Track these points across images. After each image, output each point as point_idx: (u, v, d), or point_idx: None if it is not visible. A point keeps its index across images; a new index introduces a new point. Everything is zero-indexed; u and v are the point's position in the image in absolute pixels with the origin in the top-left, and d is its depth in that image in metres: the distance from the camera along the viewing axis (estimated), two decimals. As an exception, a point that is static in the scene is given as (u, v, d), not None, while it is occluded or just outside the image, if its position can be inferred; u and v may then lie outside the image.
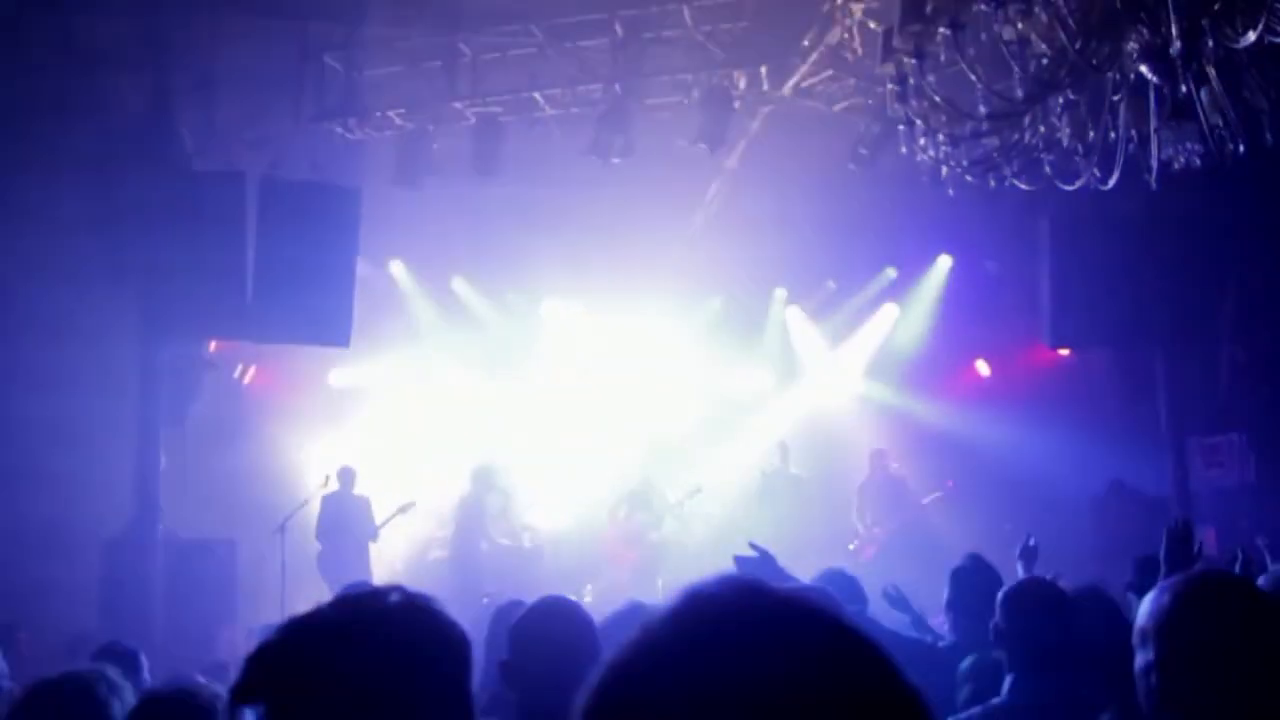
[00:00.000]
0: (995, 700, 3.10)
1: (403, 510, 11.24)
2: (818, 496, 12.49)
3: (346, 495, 11.44)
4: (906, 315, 13.92)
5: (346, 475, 11.47)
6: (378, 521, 11.16)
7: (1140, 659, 2.21)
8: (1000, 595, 3.34)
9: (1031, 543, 5.31)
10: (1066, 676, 3.04)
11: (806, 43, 9.47)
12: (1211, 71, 5.52)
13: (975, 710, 3.09)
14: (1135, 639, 2.24)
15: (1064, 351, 12.47)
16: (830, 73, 10.03)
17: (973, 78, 5.57)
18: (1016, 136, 6.27)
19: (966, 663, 3.84)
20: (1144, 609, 2.24)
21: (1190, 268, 10.67)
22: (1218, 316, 11.39)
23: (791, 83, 9.86)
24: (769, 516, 12.12)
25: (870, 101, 10.02)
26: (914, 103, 5.87)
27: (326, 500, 11.18)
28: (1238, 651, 2.06)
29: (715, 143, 9.92)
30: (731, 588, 0.90)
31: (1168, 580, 2.28)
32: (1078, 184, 6.73)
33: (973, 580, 4.32)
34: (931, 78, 5.73)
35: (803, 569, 11.60)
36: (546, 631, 2.86)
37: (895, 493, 12.31)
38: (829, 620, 0.89)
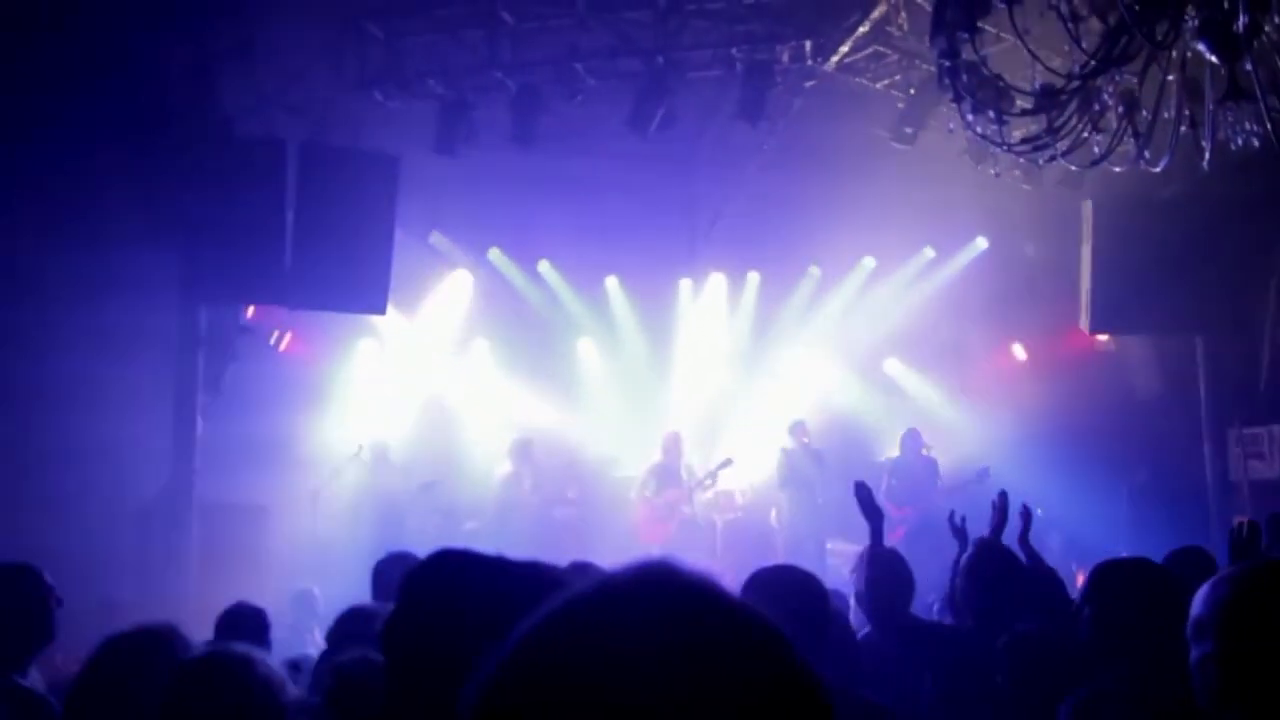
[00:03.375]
0: (1108, 675, 3.06)
1: (425, 489, 11.36)
2: (836, 474, 12.44)
3: (382, 465, 11.57)
4: (942, 296, 13.79)
5: (380, 448, 11.65)
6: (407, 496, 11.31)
7: (1196, 651, 2.14)
8: (1090, 579, 3.28)
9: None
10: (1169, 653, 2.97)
11: (853, 18, 9.34)
12: (1271, 50, 5.40)
13: (1100, 686, 3.05)
14: (1190, 631, 2.18)
15: (1103, 337, 12.31)
16: (875, 49, 9.90)
17: (1027, 53, 5.46)
18: (1066, 116, 6.16)
19: (1001, 644, 3.77)
20: (1200, 600, 2.17)
21: (1234, 254, 10.49)
22: (1260, 304, 11.20)
23: (836, 58, 9.74)
24: (791, 495, 12.10)
25: (915, 78, 9.90)
26: (965, 78, 5.78)
27: (365, 474, 11.35)
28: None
29: (755, 117, 9.83)
30: (641, 575, 0.88)
31: (1225, 571, 2.21)
32: (1126, 166, 6.63)
33: (990, 564, 4.23)
34: (985, 51, 5.62)
35: (825, 549, 11.57)
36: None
37: (927, 474, 12.20)
38: (736, 612, 0.87)
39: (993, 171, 7.96)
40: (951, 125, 6.68)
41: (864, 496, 4.50)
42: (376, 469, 11.57)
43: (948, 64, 5.81)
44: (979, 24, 5.66)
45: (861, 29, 9.35)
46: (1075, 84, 5.79)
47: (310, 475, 11.11)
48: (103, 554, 8.77)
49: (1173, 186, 10.10)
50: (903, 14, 9.14)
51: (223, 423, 10.26)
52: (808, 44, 9.87)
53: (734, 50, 9.91)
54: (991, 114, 6.06)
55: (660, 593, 0.87)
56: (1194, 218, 10.20)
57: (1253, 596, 2.09)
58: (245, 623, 4.51)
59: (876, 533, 4.39)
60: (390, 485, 11.50)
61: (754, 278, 14.22)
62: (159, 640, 2.87)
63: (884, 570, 4.27)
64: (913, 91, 9.97)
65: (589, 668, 0.81)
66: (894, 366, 14.14)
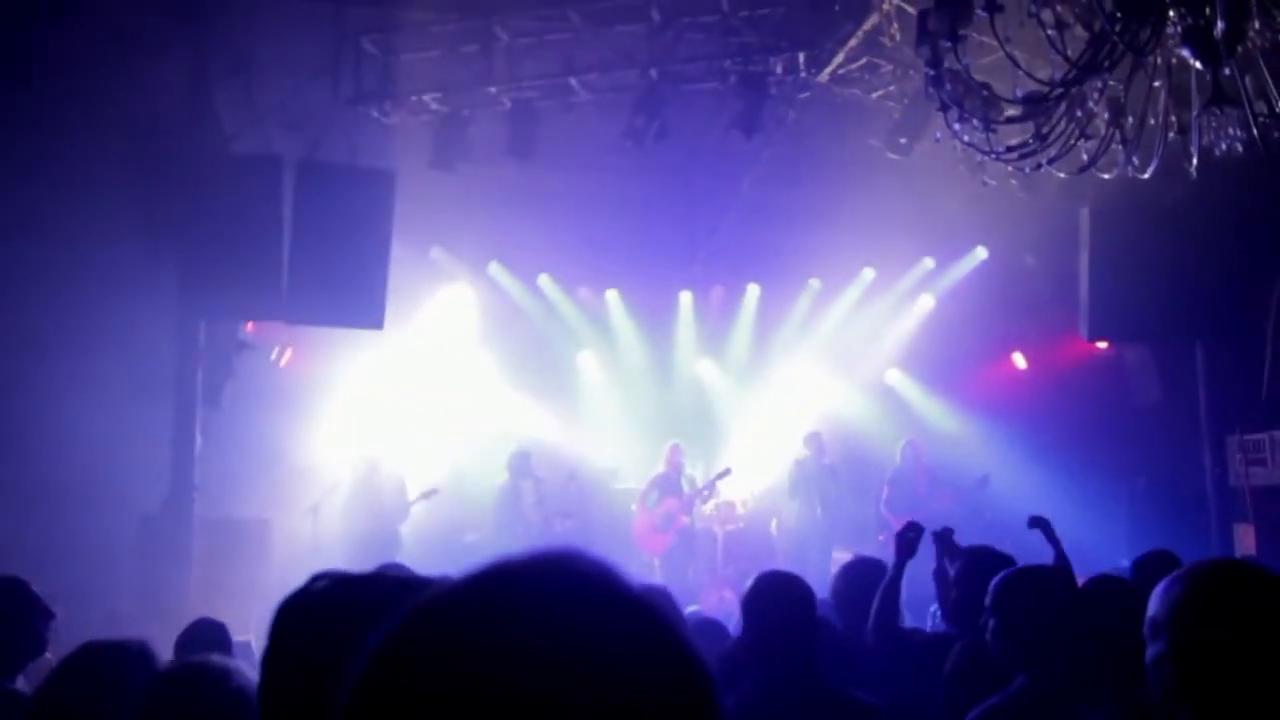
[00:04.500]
0: (1011, 688, 3.04)
1: (426, 497, 11.35)
2: (847, 486, 12.44)
3: (375, 477, 11.55)
4: (942, 306, 13.80)
5: (373, 461, 11.62)
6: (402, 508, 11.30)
7: (1152, 650, 2.15)
8: (995, 590, 3.24)
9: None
10: (1076, 661, 2.98)
11: (845, 29, 9.37)
12: (1257, 55, 5.41)
13: (993, 700, 3.03)
14: (1146, 630, 2.18)
15: (1102, 345, 12.29)
16: (867, 59, 9.93)
17: (1011, 61, 5.48)
18: (1053, 123, 6.17)
19: (957, 647, 3.81)
20: (1156, 598, 2.18)
21: (1232, 260, 10.47)
22: (1260, 310, 11.17)
23: (829, 69, 9.77)
24: (800, 505, 12.11)
25: (909, 88, 9.93)
26: (949, 87, 5.80)
27: (356, 484, 11.32)
28: (1256, 642, 2.00)
29: (750, 129, 9.86)
30: (537, 560, 0.86)
31: (1181, 570, 2.22)
32: (1115, 173, 6.63)
33: (976, 570, 4.22)
34: (968, 60, 5.64)
35: (831, 558, 11.57)
36: None
37: (926, 484, 12.21)
38: (630, 602, 0.85)
39: (985, 181, 7.96)
40: (939, 134, 6.69)
41: (911, 538, 4.56)
42: (370, 481, 11.54)
43: (932, 72, 5.84)
44: (962, 32, 5.68)
45: (854, 40, 9.37)
46: (1058, 91, 5.80)
47: (311, 488, 11.14)
48: (104, 568, 8.80)
49: (1171, 193, 10.10)
50: (895, 24, 9.15)
51: (223, 436, 10.30)
52: (801, 56, 9.90)
53: (727, 63, 9.95)
54: (977, 122, 6.08)
55: (554, 577, 0.85)
56: (1193, 224, 10.18)
57: (1207, 595, 2.10)
58: (205, 639, 4.50)
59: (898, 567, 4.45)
60: (384, 497, 11.45)
61: (753, 290, 14.25)
62: (127, 654, 2.88)
63: (859, 576, 4.28)
64: (906, 101, 9.99)
65: (470, 649, 0.80)
66: (895, 377, 14.14)
